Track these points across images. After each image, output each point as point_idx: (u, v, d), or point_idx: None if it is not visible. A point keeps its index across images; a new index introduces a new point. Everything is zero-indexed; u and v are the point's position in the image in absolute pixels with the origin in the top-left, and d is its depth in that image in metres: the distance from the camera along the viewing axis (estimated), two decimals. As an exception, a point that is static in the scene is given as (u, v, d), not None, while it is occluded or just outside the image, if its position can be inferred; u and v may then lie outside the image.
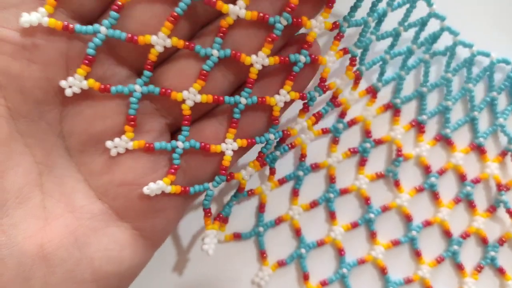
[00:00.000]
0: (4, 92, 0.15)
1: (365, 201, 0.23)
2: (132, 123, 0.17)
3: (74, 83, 0.16)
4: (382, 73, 0.23)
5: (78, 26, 0.15)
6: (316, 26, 0.17)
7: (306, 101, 0.19)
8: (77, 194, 0.16)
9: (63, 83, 0.16)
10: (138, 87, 0.16)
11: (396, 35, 0.22)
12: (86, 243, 0.16)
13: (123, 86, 0.16)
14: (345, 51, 0.20)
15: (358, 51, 0.20)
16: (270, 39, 0.17)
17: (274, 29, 0.16)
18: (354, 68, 0.21)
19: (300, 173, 0.23)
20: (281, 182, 0.23)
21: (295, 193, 0.23)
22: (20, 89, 0.15)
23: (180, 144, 0.17)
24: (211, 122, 0.18)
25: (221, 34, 0.16)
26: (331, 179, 0.23)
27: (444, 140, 0.24)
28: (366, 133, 0.23)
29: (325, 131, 0.23)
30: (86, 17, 0.16)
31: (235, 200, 0.21)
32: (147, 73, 0.16)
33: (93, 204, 0.17)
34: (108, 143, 0.16)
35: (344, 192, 0.23)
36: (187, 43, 0.16)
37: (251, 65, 0.17)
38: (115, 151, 0.17)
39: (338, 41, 0.19)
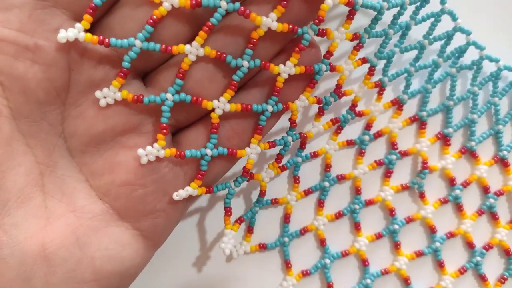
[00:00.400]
0: (6, 93, 0.15)
1: (390, 213, 0.24)
2: (164, 131, 0.17)
3: (108, 94, 0.16)
4: (407, 86, 0.23)
5: (113, 40, 0.15)
6: (338, 37, 0.18)
7: (321, 105, 0.20)
8: (78, 194, 0.17)
9: (98, 94, 0.16)
10: (170, 96, 0.17)
11: (421, 47, 0.22)
12: (87, 242, 0.16)
13: (155, 96, 0.17)
14: (364, 60, 0.21)
15: (378, 61, 0.21)
16: (298, 49, 0.17)
17: (302, 39, 0.17)
18: (377, 79, 0.22)
19: (326, 184, 0.23)
20: (307, 193, 0.23)
21: (320, 203, 0.23)
22: (23, 90, 0.15)
23: (209, 151, 0.18)
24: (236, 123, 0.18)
25: (251, 45, 0.17)
26: (356, 191, 0.23)
27: (469, 153, 0.24)
28: (392, 145, 0.23)
29: (350, 143, 0.23)
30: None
31: (257, 206, 0.21)
32: (179, 81, 0.17)
33: (94, 204, 0.17)
34: (140, 151, 0.17)
35: (369, 203, 0.23)
36: (219, 53, 0.17)
37: (278, 74, 0.17)
38: (145, 159, 0.17)
39: (357, 51, 0.20)
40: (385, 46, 0.21)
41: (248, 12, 0.16)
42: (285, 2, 0.16)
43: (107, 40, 0.15)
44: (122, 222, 0.17)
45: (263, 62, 0.17)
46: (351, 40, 0.19)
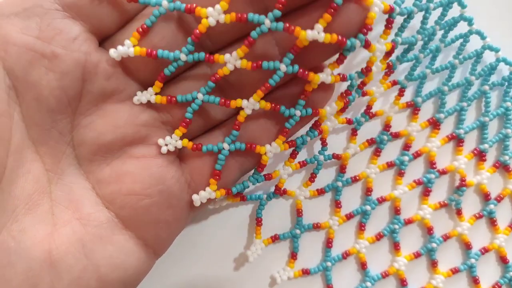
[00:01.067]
0: (20, 99, 0.15)
1: (428, 231, 0.23)
2: (184, 124, 0.17)
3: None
4: (443, 105, 0.23)
5: (160, 51, 0.16)
6: (379, 49, 0.17)
7: (353, 125, 0.21)
8: (85, 202, 0.17)
9: (160, 141, 0.17)
10: (200, 95, 0.17)
11: (452, 67, 0.22)
12: (93, 250, 0.16)
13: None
14: (394, 82, 0.21)
15: (407, 83, 0.21)
16: (340, 60, 0.17)
17: (344, 49, 0.16)
18: (409, 99, 0.22)
19: (368, 207, 0.23)
20: (349, 217, 0.23)
21: (361, 227, 0.23)
22: (36, 97, 0.15)
23: (226, 145, 0.17)
24: (262, 123, 0.18)
25: (293, 52, 0.16)
26: (396, 211, 0.23)
27: (503, 167, 0.24)
28: (431, 164, 0.23)
29: (390, 165, 0.23)
30: (103, 32, 0.16)
31: (266, 199, 0.21)
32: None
33: (100, 212, 0.17)
34: (160, 141, 0.17)
35: (408, 222, 0.23)
36: (254, 64, 0.16)
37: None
38: (165, 149, 0.17)
39: (388, 76, 0.20)
40: (415, 69, 0.22)
41: (293, 28, 0.15)
42: (332, 10, 0.15)
43: (154, 52, 0.16)
44: (126, 231, 0.17)
45: (302, 70, 0.16)
46: (384, 69, 0.19)
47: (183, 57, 0.16)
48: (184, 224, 0.19)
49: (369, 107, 0.21)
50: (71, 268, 0.16)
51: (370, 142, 0.23)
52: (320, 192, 0.22)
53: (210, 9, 0.15)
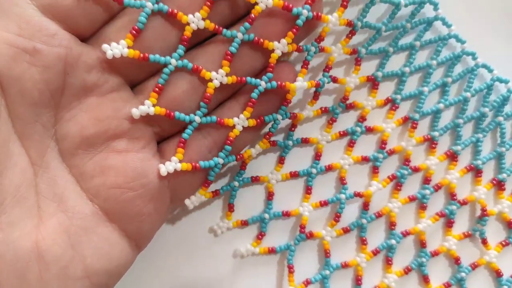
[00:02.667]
0: (5, 93, 0.16)
1: (456, 261, 0.24)
2: (182, 145, 0.19)
3: (170, 166, 0.18)
4: (459, 137, 0.24)
5: (152, 56, 0.17)
6: (331, 21, 0.20)
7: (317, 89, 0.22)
8: (69, 195, 0.17)
9: (162, 168, 0.18)
10: (198, 118, 0.19)
11: (464, 100, 0.23)
12: (78, 241, 0.17)
13: (184, 115, 0.18)
14: (406, 118, 0.23)
15: (418, 116, 0.23)
16: (295, 30, 0.19)
17: (298, 20, 0.19)
18: (425, 133, 0.23)
19: (393, 241, 0.23)
20: (375, 253, 0.23)
21: (388, 261, 0.23)
22: (20, 91, 0.16)
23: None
24: (230, 103, 0.20)
25: (250, 20, 0.18)
26: (421, 244, 0.24)
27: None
28: (451, 196, 0.24)
29: (412, 199, 0.24)
30: (81, 32, 0.17)
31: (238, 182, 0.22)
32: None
33: (84, 205, 0.17)
34: (161, 166, 0.18)
35: (434, 254, 0.24)
36: (216, 27, 0.18)
37: (273, 50, 0.19)
38: (164, 170, 0.18)
39: (358, 66, 0.22)
40: (423, 102, 0.23)
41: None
42: (295, 30, 0.19)
43: (146, 55, 0.17)
44: (110, 224, 0.18)
45: (257, 38, 0.19)
46: (350, 54, 0.22)
47: (173, 62, 0.18)
48: (164, 217, 0.20)
49: (362, 117, 0.23)
50: (58, 258, 0.16)
51: (392, 178, 0.23)
52: (346, 230, 0.23)
53: (190, 16, 0.18)
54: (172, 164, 0.18)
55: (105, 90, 0.18)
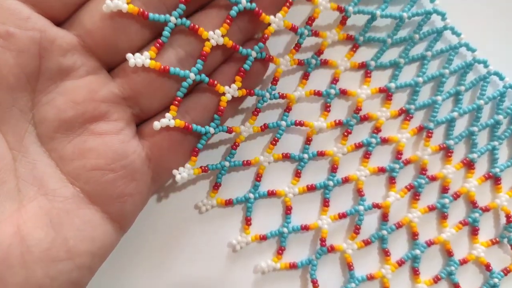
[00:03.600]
0: None
1: (486, 268, 0.24)
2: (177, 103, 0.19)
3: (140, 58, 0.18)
4: (474, 145, 0.24)
5: (151, 15, 0.18)
6: (321, 4, 0.21)
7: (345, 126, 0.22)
8: (49, 178, 0.17)
9: (177, 176, 0.20)
10: (192, 75, 0.19)
11: (478, 108, 0.24)
12: (60, 223, 0.17)
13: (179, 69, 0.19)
14: (420, 128, 0.23)
15: (433, 125, 0.23)
16: (288, 4, 0.20)
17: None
18: (441, 142, 0.23)
19: (417, 251, 0.23)
20: (400, 263, 0.23)
21: (415, 272, 0.23)
22: None
23: (191, 75, 0.19)
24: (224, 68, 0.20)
25: None
26: (448, 253, 0.23)
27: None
28: (473, 204, 0.24)
29: (431, 208, 0.23)
30: (54, 17, 0.17)
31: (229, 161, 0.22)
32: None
33: (65, 187, 0.17)
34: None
35: (463, 262, 0.23)
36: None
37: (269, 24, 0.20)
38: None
39: (353, 52, 0.23)
40: (437, 111, 0.23)
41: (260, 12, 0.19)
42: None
43: (146, 13, 0.18)
44: (92, 206, 0.18)
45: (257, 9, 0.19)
46: (358, 68, 0.23)
47: (173, 20, 0.18)
48: (146, 198, 0.20)
49: (377, 129, 0.23)
50: (40, 241, 0.16)
51: (409, 187, 0.23)
52: (367, 243, 0.23)
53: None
54: (166, 121, 0.19)
55: (81, 73, 0.18)
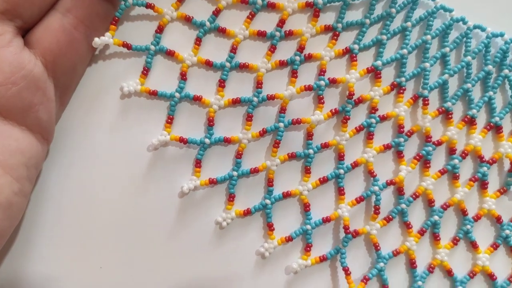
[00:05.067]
0: None
1: (497, 221, 0.24)
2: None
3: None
4: (471, 101, 0.24)
5: (134, 46, 0.21)
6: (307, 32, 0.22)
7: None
8: None
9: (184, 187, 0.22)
10: (177, 95, 0.22)
11: (467, 65, 0.24)
12: None
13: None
14: (415, 97, 0.23)
15: (427, 92, 0.23)
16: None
17: None
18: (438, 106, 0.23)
19: (403, 205, 0.24)
20: (388, 220, 0.24)
21: (436, 237, 0.24)
22: None
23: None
24: None
25: None
26: (463, 212, 0.24)
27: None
28: (480, 159, 0.24)
29: (443, 172, 0.24)
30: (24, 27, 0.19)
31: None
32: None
33: None
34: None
35: (477, 219, 0.24)
36: None
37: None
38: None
39: (335, 41, 0.23)
40: (428, 78, 0.23)
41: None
42: None
43: (130, 44, 0.21)
44: (7, 121, 0.18)
45: None
46: (343, 54, 0.23)
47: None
48: (54, 102, 0.20)
49: (374, 108, 0.23)
50: None
51: (418, 158, 0.24)
52: (389, 219, 0.23)
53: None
54: (162, 138, 0.22)
55: None
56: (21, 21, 0.19)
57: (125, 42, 0.21)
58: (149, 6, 0.21)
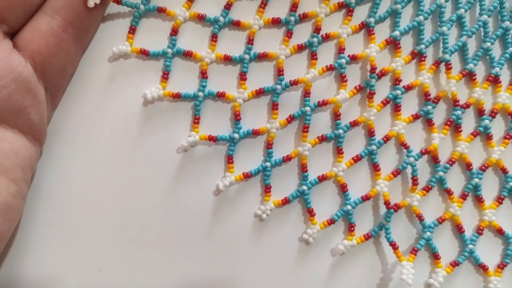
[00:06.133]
0: None
1: (503, 171, 0.24)
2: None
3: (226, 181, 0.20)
4: (492, 59, 0.24)
5: (151, 51, 0.22)
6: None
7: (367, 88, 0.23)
8: None
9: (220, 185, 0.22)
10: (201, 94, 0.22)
11: (484, 24, 0.23)
12: None
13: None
14: (437, 63, 0.23)
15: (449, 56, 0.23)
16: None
17: None
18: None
19: (441, 173, 0.23)
20: (427, 189, 0.23)
21: (462, 195, 0.24)
22: None
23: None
24: None
25: None
26: (435, 160, 0.24)
27: None
28: (479, 113, 0.24)
29: (448, 123, 0.24)
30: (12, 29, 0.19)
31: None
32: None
33: None
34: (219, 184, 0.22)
35: (484, 168, 0.24)
36: None
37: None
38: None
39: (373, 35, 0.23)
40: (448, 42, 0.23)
41: None
42: None
43: (147, 50, 0.22)
44: None
45: None
46: (360, 30, 0.23)
47: (201, 94, 0.22)
48: (45, 106, 0.20)
49: (397, 79, 0.23)
50: None
51: (449, 123, 0.23)
52: (428, 189, 0.23)
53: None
54: (192, 139, 0.22)
55: None
56: (6, 26, 0.19)
57: (142, 49, 0.21)
58: (161, 10, 0.22)
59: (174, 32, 0.22)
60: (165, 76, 0.22)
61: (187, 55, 0.22)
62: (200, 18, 0.22)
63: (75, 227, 0.22)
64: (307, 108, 0.22)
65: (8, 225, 0.18)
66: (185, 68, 0.22)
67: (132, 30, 0.22)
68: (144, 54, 0.22)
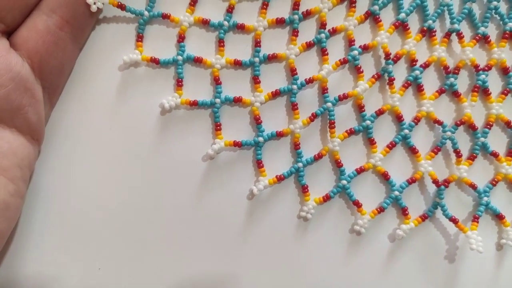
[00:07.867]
0: None
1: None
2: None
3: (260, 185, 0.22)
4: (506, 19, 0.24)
5: (161, 59, 0.22)
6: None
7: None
8: None
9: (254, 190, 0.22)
10: (218, 100, 0.22)
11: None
12: None
13: None
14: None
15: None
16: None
17: None
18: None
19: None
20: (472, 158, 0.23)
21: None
22: None
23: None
24: None
25: None
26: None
27: None
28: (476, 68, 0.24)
29: (441, 92, 0.24)
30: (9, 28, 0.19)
31: None
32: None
33: None
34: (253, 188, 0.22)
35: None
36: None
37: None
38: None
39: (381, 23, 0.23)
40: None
41: None
42: None
43: (157, 58, 0.22)
44: None
45: None
46: (365, 20, 0.23)
47: (218, 101, 0.22)
48: (43, 105, 0.20)
49: (413, 60, 0.23)
50: None
51: (476, 90, 0.23)
52: (473, 157, 0.23)
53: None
54: (217, 146, 0.22)
55: None
56: (3, 25, 0.19)
57: (152, 57, 0.22)
58: (165, 16, 0.21)
59: (181, 38, 0.22)
60: (179, 83, 0.22)
61: (197, 61, 0.22)
62: (205, 23, 0.22)
63: (74, 227, 0.22)
64: (329, 104, 0.23)
65: (6, 224, 0.19)
66: (195, 74, 0.22)
67: (140, 38, 0.22)
68: (155, 62, 0.22)
